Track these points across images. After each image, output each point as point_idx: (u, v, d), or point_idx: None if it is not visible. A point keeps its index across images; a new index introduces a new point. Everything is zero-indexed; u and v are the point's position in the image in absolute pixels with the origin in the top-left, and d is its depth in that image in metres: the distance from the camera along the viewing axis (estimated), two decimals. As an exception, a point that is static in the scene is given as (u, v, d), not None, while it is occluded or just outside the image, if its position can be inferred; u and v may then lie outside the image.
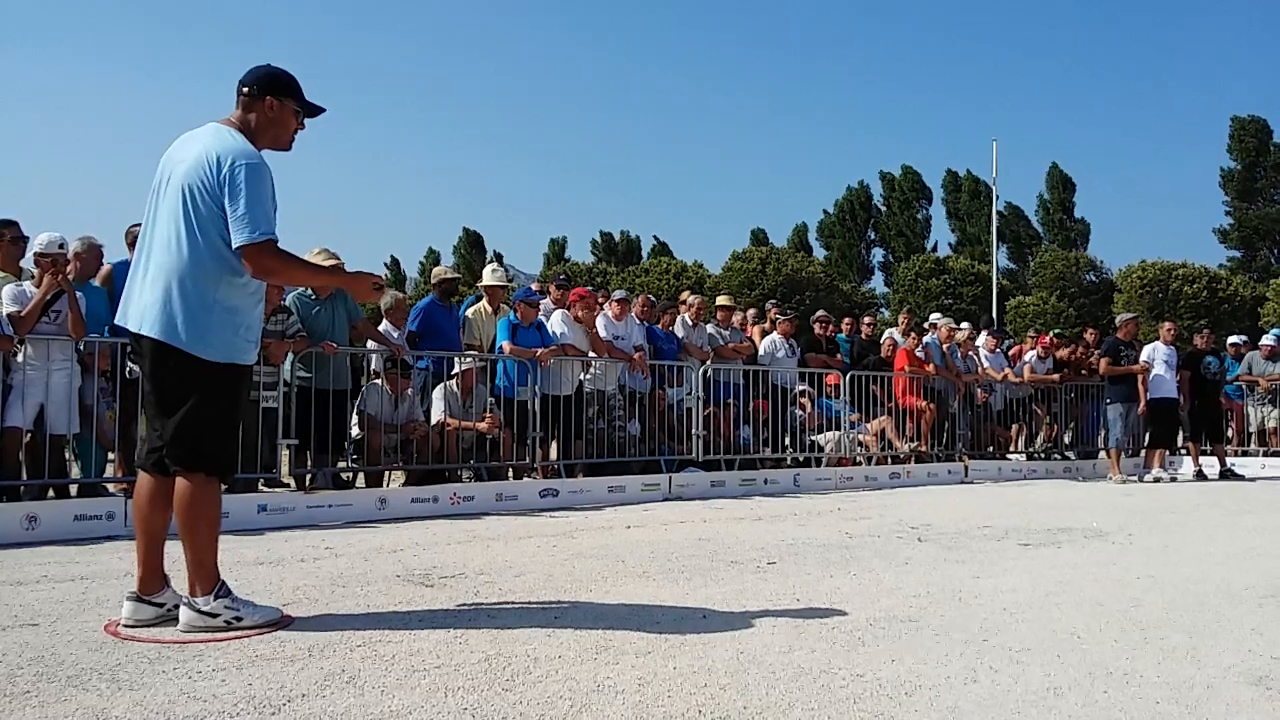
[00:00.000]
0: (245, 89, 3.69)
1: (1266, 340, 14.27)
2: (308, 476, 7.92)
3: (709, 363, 10.54)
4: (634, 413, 9.87)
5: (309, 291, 8.07)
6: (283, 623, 3.66)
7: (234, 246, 3.49)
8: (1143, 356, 12.60)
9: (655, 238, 65.28)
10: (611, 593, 4.45)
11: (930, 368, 12.20)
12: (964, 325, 14.07)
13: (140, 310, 3.56)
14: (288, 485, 7.96)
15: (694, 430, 10.05)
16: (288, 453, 7.87)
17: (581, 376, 9.54)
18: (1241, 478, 12.54)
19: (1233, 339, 14.99)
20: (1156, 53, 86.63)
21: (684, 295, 12.00)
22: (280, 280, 3.90)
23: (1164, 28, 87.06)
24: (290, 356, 7.73)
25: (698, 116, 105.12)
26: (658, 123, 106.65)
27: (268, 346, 7.31)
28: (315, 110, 3.84)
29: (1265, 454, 13.61)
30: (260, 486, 7.67)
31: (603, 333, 9.81)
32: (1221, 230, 51.52)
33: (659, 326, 10.61)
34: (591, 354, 9.61)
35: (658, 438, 9.96)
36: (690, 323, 10.90)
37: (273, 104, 3.70)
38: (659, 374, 10.17)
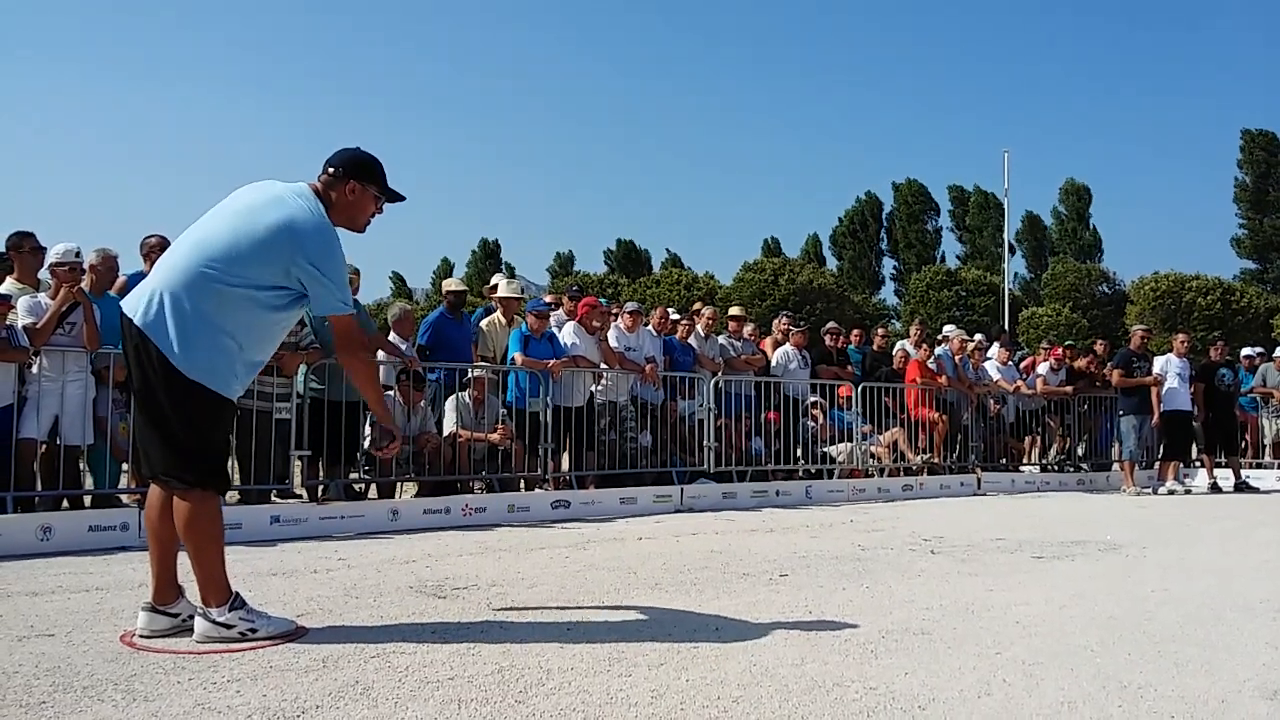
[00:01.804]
0: (331, 169, 3.75)
1: (1281, 354, 14.23)
2: (320, 488, 7.96)
3: (720, 374, 10.54)
4: (646, 424, 9.87)
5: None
6: (297, 634, 3.67)
7: (320, 315, 3.75)
8: (1156, 368, 12.56)
9: (667, 250, 65.44)
10: (624, 604, 4.45)
11: (942, 379, 12.18)
12: (977, 336, 14.03)
13: (137, 299, 3.60)
14: (300, 496, 8.00)
15: (706, 442, 10.04)
16: (300, 464, 7.91)
17: (593, 388, 9.56)
18: (1256, 490, 12.47)
19: (1246, 351, 14.90)
20: (1167, 65, 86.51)
21: (697, 306, 12.02)
22: (347, 357, 3.99)
23: (1174, 41, 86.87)
24: (303, 368, 7.77)
25: (710, 128, 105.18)
26: (670, 134, 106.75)
27: (281, 358, 7.36)
28: (396, 198, 3.89)
29: (1278, 466, 13.55)
30: (273, 498, 7.70)
31: (614, 344, 9.83)
32: (1237, 240, 51.46)
33: (675, 338, 10.60)
34: (603, 365, 9.62)
35: (669, 449, 9.96)
36: (703, 334, 10.91)
37: (355, 188, 3.75)
38: (671, 385, 10.17)
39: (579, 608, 4.35)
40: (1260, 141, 51.02)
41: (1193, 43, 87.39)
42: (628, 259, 63.68)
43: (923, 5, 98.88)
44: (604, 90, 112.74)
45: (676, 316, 11.10)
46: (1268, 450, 13.85)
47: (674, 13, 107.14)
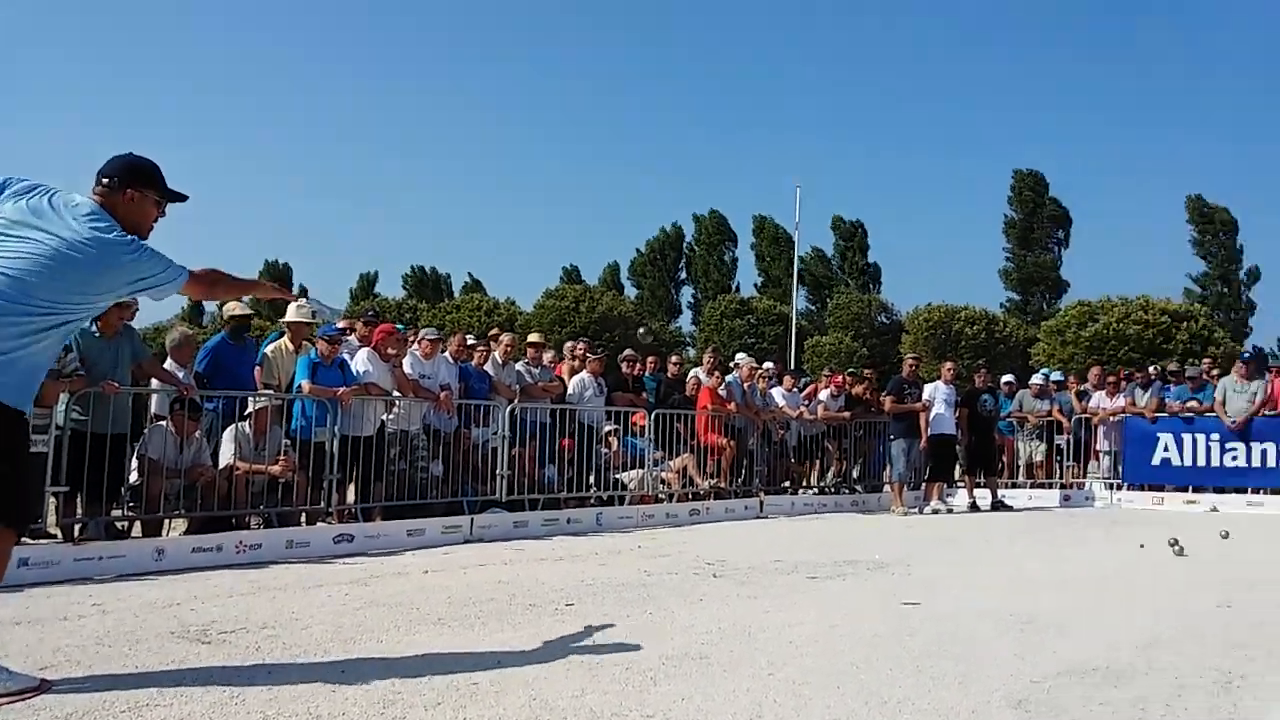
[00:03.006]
0: (105, 179, 3.63)
1: (1036, 379, 15.53)
2: (77, 526, 7.37)
3: (516, 401, 10.50)
4: (438, 453, 9.69)
5: (94, 328, 7.58)
6: (40, 689, 3.39)
7: (180, 288, 3.73)
8: (925, 395, 13.37)
9: (469, 274, 64.77)
10: (404, 642, 4.35)
11: (731, 406, 12.56)
12: (767, 364, 14.55)
13: None
14: (54, 536, 7.39)
15: (499, 470, 9.96)
16: (56, 501, 7.32)
17: (384, 416, 9.32)
18: (1011, 508, 13.46)
19: (1006, 377, 16.10)
20: (945, 106, 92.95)
21: (494, 331, 11.94)
22: (214, 291, 4.21)
23: (955, 77, 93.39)
24: (64, 397, 7.20)
25: (515, 155, 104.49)
26: (473, 160, 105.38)
27: (40, 386, 6.80)
28: (177, 198, 3.82)
29: (1032, 485, 14.70)
30: (23, 538, 7.07)
31: (409, 371, 9.62)
32: (1004, 272, 55.73)
33: (471, 364, 10.48)
34: (396, 393, 9.40)
35: (461, 478, 9.82)
36: (500, 361, 10.84)
37: (133, 196, 3.66)
38: (466, 413, 10.04)
39: (355, 649, 4.22)
40: (1029, 181, 55.66)
41: (972, 80, 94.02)
42: (425, 284, 62.72)
43: (727, 39, 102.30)
44: (400, 112, 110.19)
45: (473, 342, 10.99)
46: (1021, 470, 15.00)
47: (469, 41, 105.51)
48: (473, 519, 9.29)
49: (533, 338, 11.98)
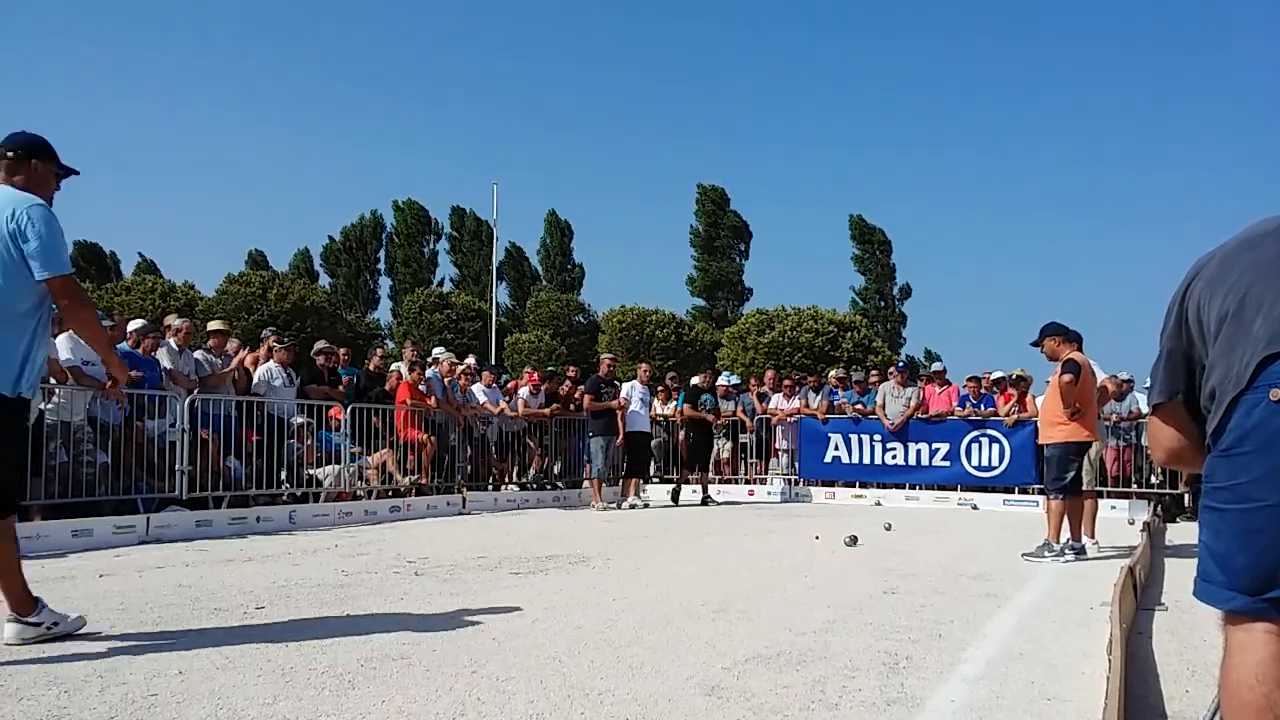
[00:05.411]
0: (10, 153, 4.00)
1: (721, 381, 16.47)
2: None
3: (196, 392, 9.79)
4: (106, 446, 8.85)
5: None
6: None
7: (39, 278, 3.82)
8: (622, 394, 13.83)
9: (140, 254, 59.72)
10: (71, 652, 3.93)
11: (432, 401, 12.39)
12: (468, 360, 14.49)
13: None
14: None
15: (179, 465, 9.25)
16: None
17: (41, 406, 8.38)
18: (716, 503, 14.20)
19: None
20: (637, 112, 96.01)
21: (169, 318, 11.05)
22: (76, 315, 4.23)
23: (638, 95, 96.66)
24: None
25: (193, 132, 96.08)
26: (147, 132, 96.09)
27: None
28: (70, 172, 4.23)
29: (721, 481, 15.63)
30: None
31: (69, 356, 8.71)
32: (691, 279, 58.60)
33: (139, 351, 9.64)
34: (54, 380, 8.49)
35: (135, 474, 9.02)
36: (176, 348, 10.05)
37: (37, 165, 4.05)
38: (139, 404, 9.23)
39: (13, 660, 3.77)
40: (712, 195, 58.80)
41: (665, 99, 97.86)
42: (91, 262, 57.18)
43: (423, 29, 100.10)
44: (66, 77, 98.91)
45: (136, 325, 10.13)
46: (712, 467, 15.87)
47: (150, 17, 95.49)
48: (149, 518, 8.59)
49: (213, 325, 11.21)
